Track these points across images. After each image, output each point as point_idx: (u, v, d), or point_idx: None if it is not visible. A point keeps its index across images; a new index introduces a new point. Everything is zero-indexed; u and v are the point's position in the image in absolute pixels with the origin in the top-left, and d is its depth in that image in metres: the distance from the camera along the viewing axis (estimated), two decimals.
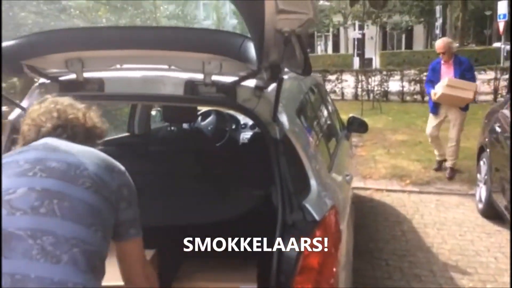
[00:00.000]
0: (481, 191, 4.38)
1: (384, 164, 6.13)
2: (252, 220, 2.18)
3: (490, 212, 4.11)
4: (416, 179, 5.48)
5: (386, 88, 12.78)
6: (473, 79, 5.23)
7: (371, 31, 29.46)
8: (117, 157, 1.41)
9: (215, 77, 1.85)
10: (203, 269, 2.18)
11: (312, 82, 3.03)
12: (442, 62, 5.31)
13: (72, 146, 1.32)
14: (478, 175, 4.55)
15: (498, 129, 4.07)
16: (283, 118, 1.90)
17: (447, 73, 5.21)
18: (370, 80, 12.79)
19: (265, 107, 1.86)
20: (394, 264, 3.47)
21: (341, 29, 31.31)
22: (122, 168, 1.39)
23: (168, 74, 1.96)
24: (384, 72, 12.89)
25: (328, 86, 13.59)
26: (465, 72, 5.18)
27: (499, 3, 20.32)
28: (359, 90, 12.84)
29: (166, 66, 2.00)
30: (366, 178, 5.76)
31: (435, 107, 5.37)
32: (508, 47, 20.40)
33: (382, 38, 30.82)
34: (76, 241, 1.10)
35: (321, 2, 30.62)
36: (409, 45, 30.92)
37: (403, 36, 30.50)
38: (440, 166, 5.66)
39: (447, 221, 4.26)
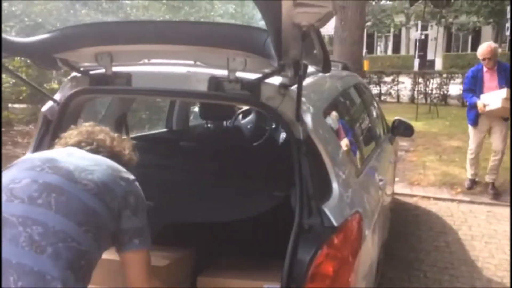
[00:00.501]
0: None
1: (435, 171, 5.83)
2: (275, 221, 2.13)
3: None
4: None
5: (445, 92, 12.19)
6: None
7: (435, 31, 28.30)
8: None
9: (239, 74, 1.83)
10: (227, 266, 2.18)
11: (350, 82, 2.94)
12: (485, 69, 4.82)
13: (87, 154, 1.37)
14: None
15: None
16: (308, 118, 1.84)
17: (490, 81, 4.78)
18: (428, 82, 12.24)
19: (289, 106, 1.81)
20: (434, 276, 3.28)
21: (403, 30, 30.21)
22: (132, 177, 1.41)
23: (193, 70, 1.96)
24: (444, 75, 12.29)
25: (384, 88, 13.22)
26: (508, 74, 4.77)
27: None
28: (416, 92, 12.34)
29: (192, 62, 2.00)
30: (413, 184, 5.53)
31: (477, 119, 4.86)
32: None
33: (447, 39, 29.40)
34: (64, 235, 1.12)
35: (382, 2, 29.80)
36: (475, 47, 29.11)
37: (470, 38, 28.93)
38: (473, 185, 5.16)
39: (497, 234, 3.98)
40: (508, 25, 25.75)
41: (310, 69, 2.53)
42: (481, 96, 4.70)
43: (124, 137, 1.65)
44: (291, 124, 1.80)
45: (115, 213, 1.28)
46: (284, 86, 1.84)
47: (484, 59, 4.75)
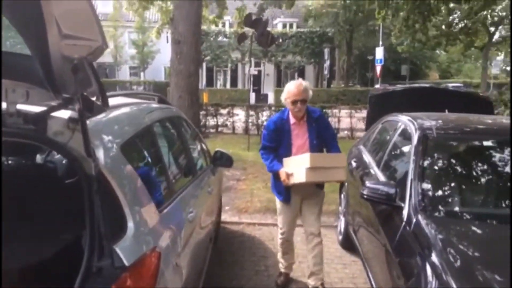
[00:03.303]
0: (341, 223, 4.60)
1: (260, 198, 6.21)
2: (63, 267, 1.96)
3: (348, 243, 4.31)
4: None
5: None
6: (334, 140, 3.57)
7: (267, 68, 30.94)
8: None
9: (21, 107, 1.67)
10: None
11: (163, 115, 2.93)
12: (292, 119, 3.46)
13: None
14: (340, 208, 4.79)
15: (353, 164, 4.35)
16: (101, 154, 1.76)
17: (299, 136, 3.46)
18: (259, 115, 13.20)
19: (79, 141, 1.70)
20: None
21: (239, 65, 32.28)
22: None
23: None
24: (273, 108, 13.40)
25: (221, 120, 13.78)
26: (323, 131, 3.52)
27: (377, 49, 22.61)
28: (250, 124, 13.16)
29: None
30: (241, 212, 5.78)
31: (289, 193, 3.52)
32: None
33: (277, 75, 32.44)
34: None
35: (220, 38, 31.48)
36: None
37: (296, 75, 32.33)
38: (286, 282, 3.73)
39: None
40: (326, 65, 29.61)
41: (116, 101, 2.47)
42: (284, 160, 3.40)
43: None
44: (82, 160, 1.69)
45: None
46: (73, 120, 1.73)
47: (294, 102, 3.34)
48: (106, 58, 29.96)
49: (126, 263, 1.62)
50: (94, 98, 1.61)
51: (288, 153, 3.45)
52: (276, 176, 3.51)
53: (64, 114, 1.72)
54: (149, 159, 2.38)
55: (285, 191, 3.50)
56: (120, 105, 2.45)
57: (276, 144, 3.49)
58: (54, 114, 1.70)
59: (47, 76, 1.39)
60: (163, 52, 27.59)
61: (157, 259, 1.81)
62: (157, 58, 32.78)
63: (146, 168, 2.26)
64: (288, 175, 3.34)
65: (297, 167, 3.28)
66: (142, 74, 35.26)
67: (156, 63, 33.58)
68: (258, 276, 3.89)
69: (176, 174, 2.84)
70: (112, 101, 2.37)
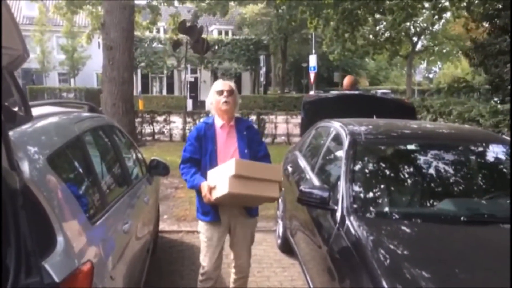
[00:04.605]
0: (279, 227, 4.69)
1: None
2: None
3: (286, 247, 4.39)
4: None
5: None
6: (264, 149, 3.10)
7: (205, 75, 30.85)
8: None
9: None
10: None
11: (94, 124, 2.84)
12: (219, 123, 3.00)
13: None
14: (278, 212, 4.88)
15: (289, 169, 4.46)
16: (25, 166, 1.67)
17: (227, 144, 2.97)
18: (197, 121, 13.11)
19: (2, 154, 1.60)
20: None
21: (175, 72, 31.90)
22: None
23: None
24: (210, 114, 13.37)
25: (157, 127, 13.51)
26: (254, 143, 3.06)
27: (310, 57, 23.35)
28: (187, 131, 13.03)
29: None
30: (180, 220, 5.70)
31: (216, 212, 2.93)
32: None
33: (214, 82, 32.38)
34: None
35: (154, 44, 30.93)
36: (239, 89, 33.10)
37: (233, 81, 32.57)
38: None
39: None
40: (262, 72, 30.06)
41: (43, 111, 2.35)
42: (209, 173, 2.86)
43: None
44: (5, 174, 1.59)
45: None
46: None
47: (220, 93, 2.96)
48: (32, 64, 28.33)
49: (56, 279, 1.55)
50: (16, 109, 1.53)
51: (212, 165, 2.88)
52: (199, 193, 2.90)
53: None
54: (80, 170, 2.29)
55: (212, 209, 2.89)
56: (47, 115, 2.35)
57: (199, 156, 2.94)
58: None
59: None
60: (95, 58, 26.58)
61: (90, 273, 1.74)
62: (88, 64, 31.43)
63: (76, 179, 2.17)
64: (210, 189, 2.74)
65: (221, 177, 2.68)
66: (72, 80, 33.72)
67: (87, 69, 32.22)
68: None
69: (110, 185, 2.75)
70: (38, 111, 2.27)
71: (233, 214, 2.98)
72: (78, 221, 1.86)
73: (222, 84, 3.06)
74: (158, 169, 3.96)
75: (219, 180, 2.70)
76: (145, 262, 3.25)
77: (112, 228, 2.29)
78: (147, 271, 3.36)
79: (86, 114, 2.94)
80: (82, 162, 2.32)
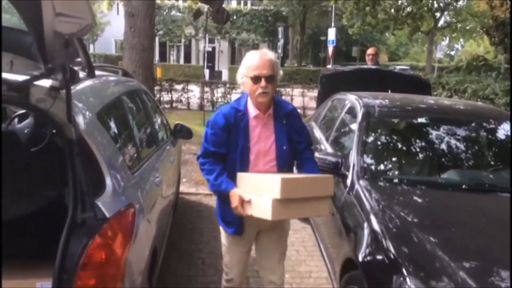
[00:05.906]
0: None
1: None
2: (47, 221, 2.15)
3: None
4: None
5: (229, 100, 13.44)
6: (309, 150, 2.55)
7: (223, 45, 30.81)
8: None
9: (5, 75, 1.80)
10: None
11: (129, 87, 3.10)
12: (254, 111, 2.36)
13: None
14: None
15: None
16: (80, 120, 1.94)
17: (262, 138, 2.37)
18: (214, 91, 13.34)
19: (60, 108, 1.86)
20: (210, 262, 3.72)
21: (193, 41, 31.88)
22: None
23: None
24: (228, 85, 13.57)
25: (175, 95, 13.78)
26: (295, 133, 2.47)
27: (329, 30, 23.12)
28: (205, 100, 13.28)
29: None
30: (198, 184, 6.02)
31: (241, 224, 2.43)
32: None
33: (231, 52, 32.36)
34: None
35: (173, 13, 30.87)
36: None
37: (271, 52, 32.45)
38: None
39: None
40: (279, 44, 29.84)
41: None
42: (239, 176, 2.33)
43: None
44: (63, 126, 1.87)
45: None
46: (54, 89, 1.89)
47: (257, 79, 2.26)
48: None
49: (107, 215, 1.83)
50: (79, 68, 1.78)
51: (244, 163, 2.33)
52: (224, 198, 2.36)
53: (46, 83, 1.89)
54: (120, 127, 2.56)
55: (237, 220, 2.38)
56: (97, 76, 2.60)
57: (226, 149, 2.34)
58: (36, 82, 1.86)
59: (39, 48, 1.57)
60: (114, 25, 26.73)
61: (133, 213, 2.03)
62: (107, 30, 31.60)
63: (118, 134, 2.45)
64: (244, 202, 2.23)
65: (259, 194, 2.15)
66: (91, 46, 34.00)
67: (106, 36, 32.40)
68: (217, 241, 4.14)
69: (143, 142, 3.03)
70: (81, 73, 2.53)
71: (263, 222, 2.20)
72: (122, 169, 2.15)
73: (260, 64, 2.26)
74: (182, 132, 4.24)
75: (257, 197, 2.16)
76: (170, 216, 3.56)
77: (147, 179, 2.58)
78: (170, 227, 3.67)
79: (122, 78, 3.19)
80: (121, 120, 2.60)
